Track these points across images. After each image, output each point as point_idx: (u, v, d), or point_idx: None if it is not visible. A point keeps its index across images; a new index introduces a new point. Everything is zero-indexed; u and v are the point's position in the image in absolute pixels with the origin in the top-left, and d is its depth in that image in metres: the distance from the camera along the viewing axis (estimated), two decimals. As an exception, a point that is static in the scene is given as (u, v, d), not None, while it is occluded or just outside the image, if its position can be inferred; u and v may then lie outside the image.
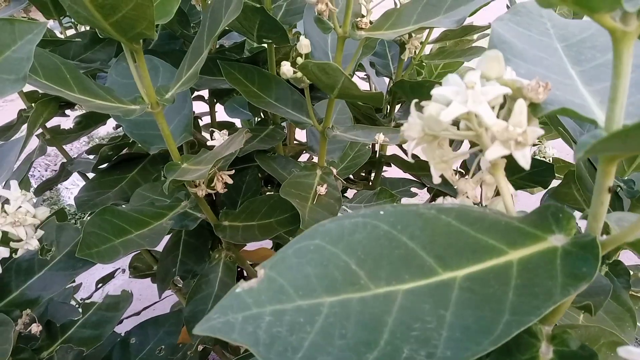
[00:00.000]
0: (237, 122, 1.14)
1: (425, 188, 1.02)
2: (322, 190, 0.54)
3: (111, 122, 0.79)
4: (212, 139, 0.54)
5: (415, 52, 0.60)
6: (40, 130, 0.86)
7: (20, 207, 0.38)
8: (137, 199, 0.63)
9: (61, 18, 0.80)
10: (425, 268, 0.22)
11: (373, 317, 0.20)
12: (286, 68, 0.47)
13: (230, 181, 0.53)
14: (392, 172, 1.03)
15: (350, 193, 0.99)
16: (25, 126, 0.87)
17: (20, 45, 0.38)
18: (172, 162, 0.53)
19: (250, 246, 0.91)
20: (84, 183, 0.76)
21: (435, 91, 0.23)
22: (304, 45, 0.47)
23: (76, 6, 0.41)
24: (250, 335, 0.20)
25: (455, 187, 0.30)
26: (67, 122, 0.86)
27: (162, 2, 0.46)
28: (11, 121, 0.83)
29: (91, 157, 0.89)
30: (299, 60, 0.48)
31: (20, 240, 0.38)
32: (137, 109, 0.50)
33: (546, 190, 0.76)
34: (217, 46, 0.75)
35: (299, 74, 0.47)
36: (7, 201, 0.40)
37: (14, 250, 0.40)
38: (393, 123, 0.88)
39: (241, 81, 0.58)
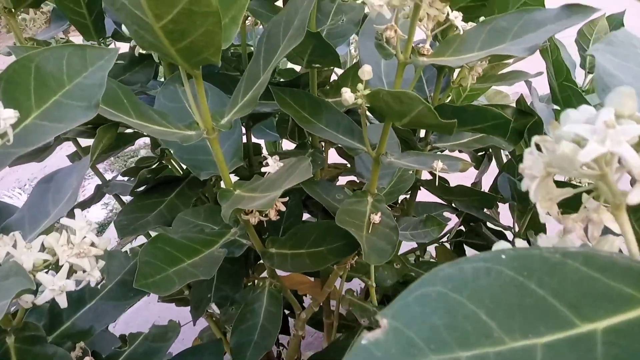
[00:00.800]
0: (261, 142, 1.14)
1: (455, 213, 1.01)
2: (377, 218, 0.52)
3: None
4: (265, 165, 0.53)
5: (474, 78, 0.59)
6: (73, 149, 0.86)
7: (85, 237, 0.37)
8: (180, 224, 0.61)
9: (101, 40, 0.80)
10: (561, 319, 0.21)
11: (517, 375, 0.19)
12: (348, 95, 0.46)
13: (283, 208, 0.52)
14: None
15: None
16: (59, 147, 0.86)
17: (92, 71, 0.37)
18: (225, 188, 0.52)
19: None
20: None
21: (567, 129, 0.22)
22: (365, 72, 0.46)
23: (143, 31, 0.41)
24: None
25: (561, 224, 0.28)
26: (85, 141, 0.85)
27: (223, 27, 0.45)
28: (47, 143, 0.82)
29: (125, 179, 0.88)
30: (360, 86, 0.47)
31: (83, 271, 0.37)
32: (194, 134, 0.49)
33: None
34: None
35: (359, 101, 0.46)
36: (67, 229, 0.39)
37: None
38: (429, 147, 0.87)
39: (292, 106, 0.57)
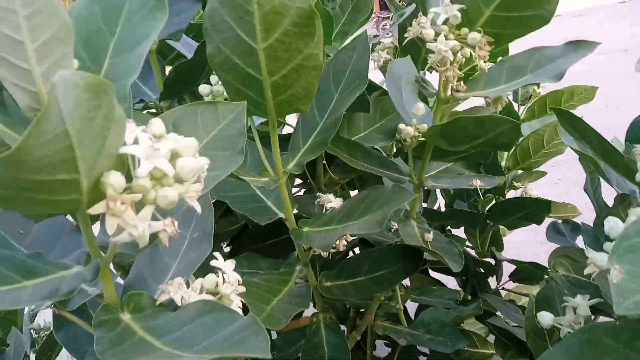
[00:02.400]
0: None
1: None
2: (430, 237, 0.59)
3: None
4: (327, 202, 0.58)
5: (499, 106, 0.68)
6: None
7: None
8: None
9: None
10: None
11: None
12: (410, 130, 0.53)
13: (350, 239, 0.57)
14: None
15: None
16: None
17: (226, 124, 0.41)
18: (296, 228, 0.56)
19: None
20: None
21: None
22: (420, 108, 0.54)
23: (245, 88, 0.46)
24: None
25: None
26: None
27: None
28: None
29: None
30: (414, 122, 0.54)
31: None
32: (270, 180, 0.53)
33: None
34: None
35: (417, 133, 0.54)
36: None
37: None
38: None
39: (333, 149, 0.63)
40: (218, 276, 0.40)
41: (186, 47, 0.78)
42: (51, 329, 1.05)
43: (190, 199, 0.31)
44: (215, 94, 0.55)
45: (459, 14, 0.47)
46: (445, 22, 0.48)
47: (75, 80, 0.20)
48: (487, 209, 1.02)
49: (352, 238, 0.57)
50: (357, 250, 0.82)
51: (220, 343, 0.30)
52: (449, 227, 1.06)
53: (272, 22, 0.40)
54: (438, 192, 1.12)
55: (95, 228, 0.33)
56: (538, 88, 1.09)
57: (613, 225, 0.36)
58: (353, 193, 0.90)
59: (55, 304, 0.36)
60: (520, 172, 1.15)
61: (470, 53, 0.51)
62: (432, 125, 0.52)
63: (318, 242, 0.53)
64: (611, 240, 0.36)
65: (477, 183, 0.59)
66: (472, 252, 1.06)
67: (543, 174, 1.16)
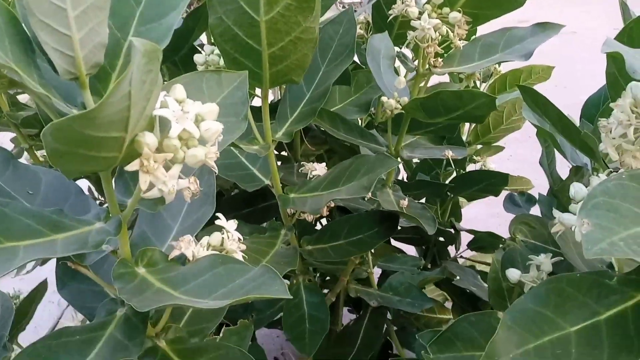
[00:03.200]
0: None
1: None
2: (405, 203, 0.64)
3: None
4: (312, 170, 0.61)
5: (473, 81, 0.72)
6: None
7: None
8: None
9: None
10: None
11: None
12: (392, 102, 0.57)
13: (332, 205, 0.61)
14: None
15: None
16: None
17: (229, 92, 0.43)
18: (282, 194, 0.59)
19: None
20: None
21: None
22: (401, 82, 0.57)
23: (243, 58, 0.48)
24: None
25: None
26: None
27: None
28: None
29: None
30: (395, 95, 0.58)
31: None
32: (260, 148, 0.56)
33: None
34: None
35: (399, 105, 0.58)
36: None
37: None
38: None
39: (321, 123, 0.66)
40: (223, 234, 0.43)
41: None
42: (20, 297, 1.05)
43: (210, 159, 0.33)
44: (210, 63, 0.57)
45: (441, -6, 0.51)
46: (428, 2, 0.52)
47: (137, 45, 0.23)
48: (449, 180, 1.08)
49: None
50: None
51: (239, 289, 0.34)
52: (410, 198, 1.12)
53: (276, -4, 0.43)
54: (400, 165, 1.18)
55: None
56: (499, 66, 1.15)
57: (578, 189, 0.41)
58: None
59: (73, 259, 0.39)
60: (480, 146, 1.22)
61: (447, 31, 0.55)
62: (414, 98, 0.56)
63: (307, 206, 0.57)
64: (577, 203, 0.41)
65: (450, 154, 0.64)
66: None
67: (501, 148, 1.23)
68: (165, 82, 0.38)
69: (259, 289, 0.32)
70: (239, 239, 0.44)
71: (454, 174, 1.13)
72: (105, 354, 0.37)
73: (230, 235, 0.43)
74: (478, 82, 1.18)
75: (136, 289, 0.36)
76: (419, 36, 0.53)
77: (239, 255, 0.43)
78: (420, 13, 0.52)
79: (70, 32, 0.28)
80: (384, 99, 0.58)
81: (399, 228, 1.12)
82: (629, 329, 0.39)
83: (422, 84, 0.61)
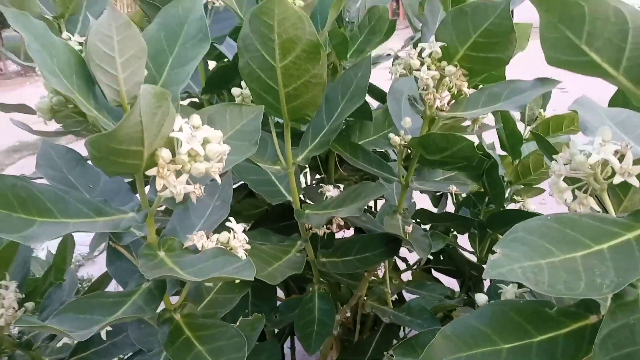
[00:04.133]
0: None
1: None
2: (409, 229, 0.71)
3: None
4: (327, 191, 0.71)
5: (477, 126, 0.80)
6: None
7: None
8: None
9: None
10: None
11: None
12: (397, 139, 0.66)
13: (342, 223, 0.70)
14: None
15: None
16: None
17: (247, 122, 0.54)
18: (299, 209, 0.69)
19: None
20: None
21: (581, 147, 0.42)
22: (407, 122, 0.66)
23: (266, 95, 0.59)
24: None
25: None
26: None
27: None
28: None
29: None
30: (402, 132, 0.67)
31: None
32: (280, 169, 0.67)
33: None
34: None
35: (404, 142, 0.66)
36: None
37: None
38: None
39: (337, 148, 0.76)
40: (230, 234, 0.53)
41: (227, 47, 0.92)
42: (92, 280, 1.22)
43: (214, 173, 0.44)
44: (244, 96, 0.68)
45: (439, 50, 0.59)
46: (429, 55, 0.61)
47: (148, 90, 0.34)
48: (485, 217, 1.13)
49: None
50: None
51: (224, 273, 0.44)
52: (454, 232, 1.17)
53: (288, 48, 0.54)
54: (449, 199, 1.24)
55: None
56: (544, 111, 1.19)
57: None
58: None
59: (113, 241, 0.51)
60: (521, 187, 1.25)
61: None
62: (413, 137, 0.65)
63: (314, 221, 0.66)
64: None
65: (454, 189, 0.71)
66: (472, 257, 1.18)
67: (542, 190, 1.25)
68: (199, 110, 0.50)
69: (234, 273, 0.42)
70: (245, 240, 0.54)
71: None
72: (128, 313, 0.48)
73: (236, 235, 0.53)
74: (522, 126, 1.22)
75: (154, 266, 0.47)
76: (421, 85, 0.61)
77: (241, 252, 0.53)
78: (422, 65, 0.61)
79: (117, 73, 0.40)
80: (391, 135, 0.67)
81: (441, 259, 1.18)
82: (557, 354, 0.45)
83: (431, 124, 0.69)
